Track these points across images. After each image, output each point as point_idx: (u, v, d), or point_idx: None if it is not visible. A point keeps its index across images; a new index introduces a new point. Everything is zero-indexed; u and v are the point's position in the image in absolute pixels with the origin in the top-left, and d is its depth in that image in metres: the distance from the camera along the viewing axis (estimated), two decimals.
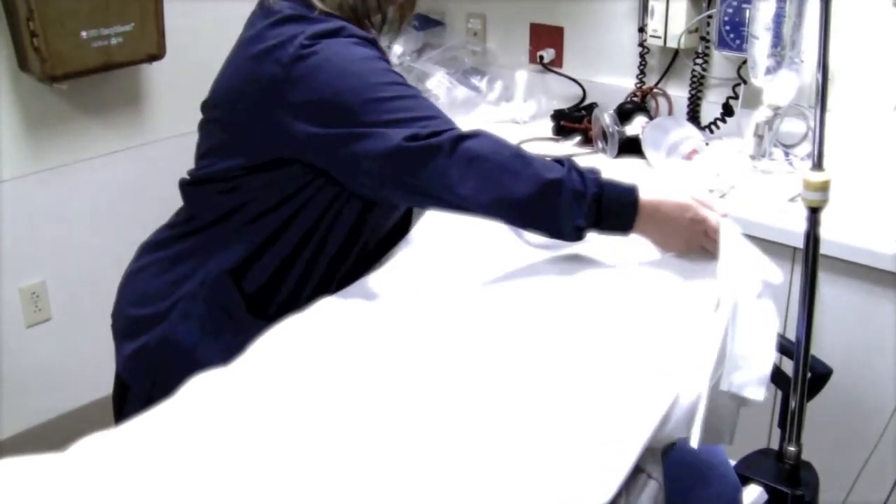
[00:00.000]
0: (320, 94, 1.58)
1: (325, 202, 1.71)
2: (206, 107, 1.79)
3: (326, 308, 1.61)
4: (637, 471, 1.37)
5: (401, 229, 1.95)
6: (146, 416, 1.36)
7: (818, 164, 1.82)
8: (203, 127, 1.80)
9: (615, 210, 1.59)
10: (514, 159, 1.56)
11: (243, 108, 1.66)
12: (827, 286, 2.30)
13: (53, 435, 1.61)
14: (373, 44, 1.67)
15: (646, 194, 1.61)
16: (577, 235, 1.59)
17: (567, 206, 1.55)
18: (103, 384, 2.01)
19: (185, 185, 1.83)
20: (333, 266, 1.77)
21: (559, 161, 1.59)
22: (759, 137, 2.65)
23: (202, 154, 1.79)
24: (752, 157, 2.66)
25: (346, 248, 1.77)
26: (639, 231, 1.62)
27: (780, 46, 2.51)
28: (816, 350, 1.94)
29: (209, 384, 1.42)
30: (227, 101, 1.70)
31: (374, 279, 1.74)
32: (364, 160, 1.57)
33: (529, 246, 1.72)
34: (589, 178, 1.57)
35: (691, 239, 1.65)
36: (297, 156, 1.65)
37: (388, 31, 1.84)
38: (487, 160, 1.55)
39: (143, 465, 1.26)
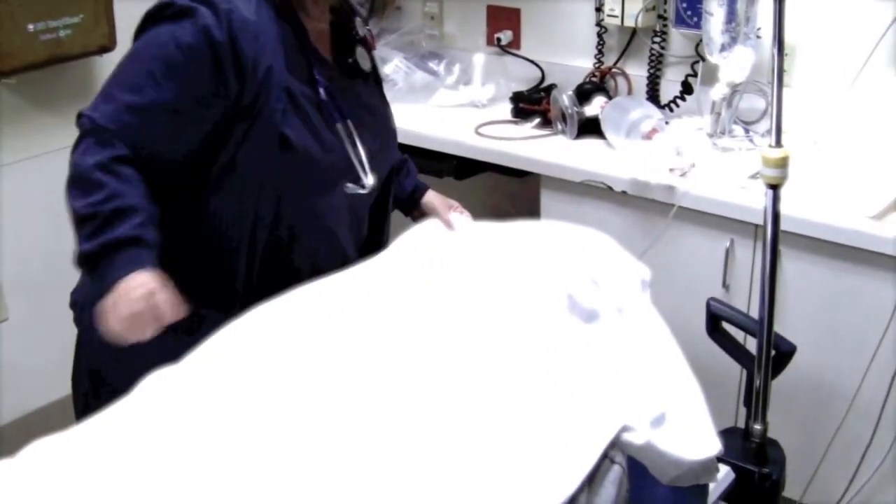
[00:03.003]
0: None
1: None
2: None
3: (281, 305, 1.58)
4: (601, 456, 1.36)
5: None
6: (98, 418, 1.34)
7: (777, 141, 1.82)
8: None
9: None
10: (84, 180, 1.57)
11: None
12: (790, 263, 2.29)
13: (11, 438, 1.59)
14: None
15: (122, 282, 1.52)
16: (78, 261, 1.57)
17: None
18: (62, 385, 1.97)
19: None
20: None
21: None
22: (717, 115, 2.64)
23: None
24: (711, 135, 2.65)
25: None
26: None
27: (735, 22, 2.50)
28: (780, 328, 1.94)
29: (162, 384, 1.39)
30: None
31: (338, 280, 1.72)
32: None
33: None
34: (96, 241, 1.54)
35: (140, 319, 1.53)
36: None
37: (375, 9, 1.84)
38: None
39: (94, 469, 1.23)
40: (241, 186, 1.65)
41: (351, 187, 1.73)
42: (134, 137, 1.59)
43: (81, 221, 1.55)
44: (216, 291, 1.71)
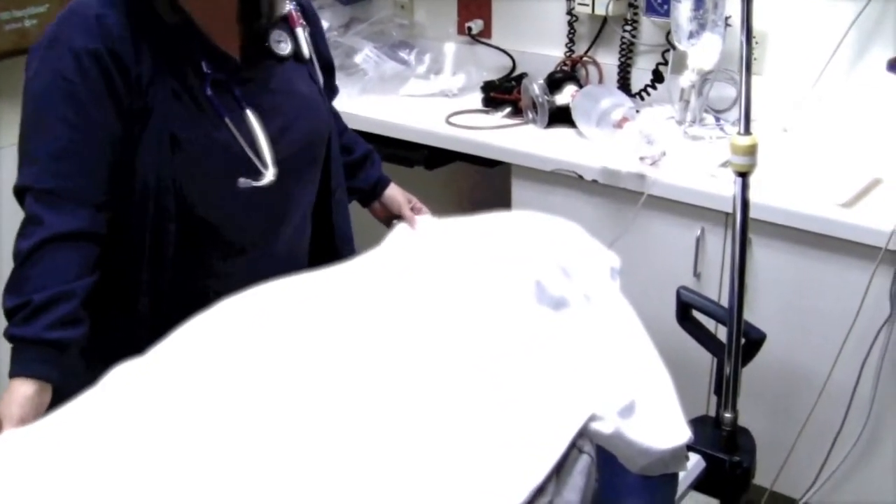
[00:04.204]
0: None
1: None
2: None
3: (247, 299, 1.56)
4: (569, 446, 1.36)
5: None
6: (62, 411, 1.32)
7: (745, 129, 1.82)
8: None
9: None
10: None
11: None
12: (760, 251, 2.30)
13: None
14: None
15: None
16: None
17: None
18: None
19: None
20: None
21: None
22: (686, 102, 2.64)
23: None
24: (680, 123, 2.65)
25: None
26: None
27: (703, 10, 2.51)
28: (750, 316, 1.94)
29: (127, 376, 1.37)
30: None
31: (305, 280, 1.70)
32: None
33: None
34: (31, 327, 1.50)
35: None
36: None
37: None
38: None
39: (59, 463, 1.22)
40: (143, 191, 1.61)
41: (244, 181, 1.66)
42: (76, 182, 1.55)
43: (6, 314, 1.52)
44: (125, 301, 1.68)
